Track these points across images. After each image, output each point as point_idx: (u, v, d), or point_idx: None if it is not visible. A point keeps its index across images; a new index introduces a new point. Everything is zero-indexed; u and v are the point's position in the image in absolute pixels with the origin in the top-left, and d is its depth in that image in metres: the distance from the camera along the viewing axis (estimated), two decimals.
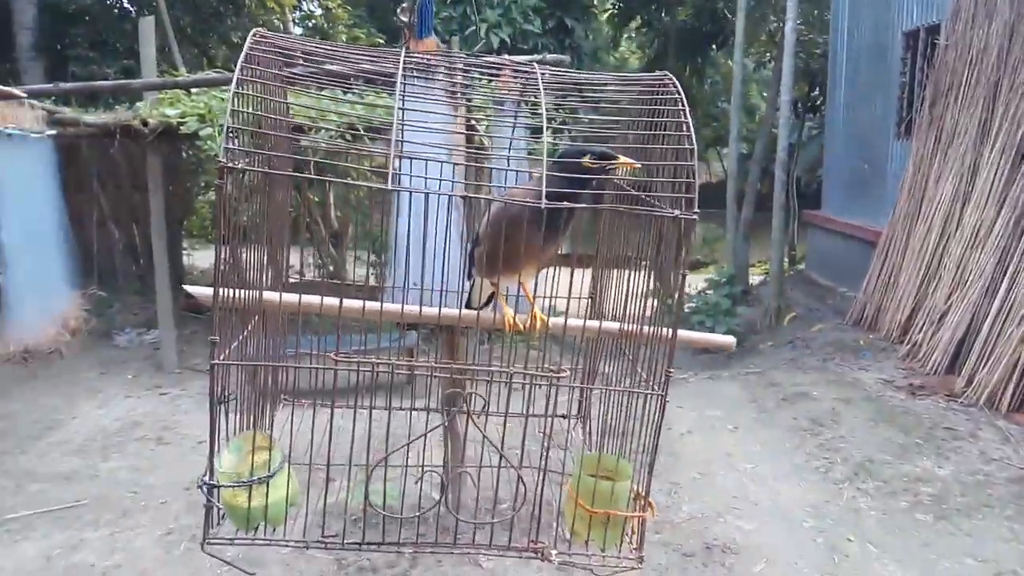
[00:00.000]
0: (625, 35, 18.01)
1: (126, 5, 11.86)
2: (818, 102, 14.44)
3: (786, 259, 10.91)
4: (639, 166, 1.65)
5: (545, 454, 1.66)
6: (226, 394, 1.51)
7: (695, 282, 10.38)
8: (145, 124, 5.53)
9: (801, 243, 13.14)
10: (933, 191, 6.56)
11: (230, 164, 1.33)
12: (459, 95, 2.91)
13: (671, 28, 14.05)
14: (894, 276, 6.81)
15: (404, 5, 3.95)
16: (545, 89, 1.67)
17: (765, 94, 16.77)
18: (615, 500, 1.66)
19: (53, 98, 6.01)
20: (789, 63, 8.15)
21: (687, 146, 1.51)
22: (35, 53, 9.74)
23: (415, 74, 2.30)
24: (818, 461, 4.43)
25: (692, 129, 1.50)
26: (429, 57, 2.24)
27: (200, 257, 9.52)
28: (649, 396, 1.69)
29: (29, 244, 4.89)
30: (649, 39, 15.99)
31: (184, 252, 8.97)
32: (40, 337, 5.39)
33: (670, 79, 1.68)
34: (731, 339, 2.13)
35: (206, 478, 1.54)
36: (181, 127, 5.49)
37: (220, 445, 1.55)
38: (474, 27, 10.83)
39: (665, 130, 1.65)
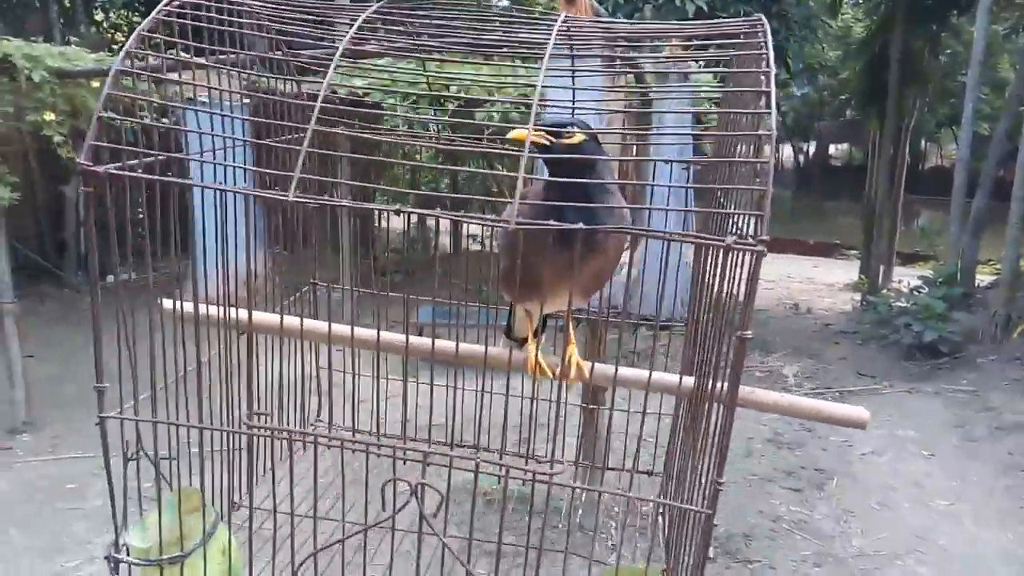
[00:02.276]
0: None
1: None
2: None
3: None
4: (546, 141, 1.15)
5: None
6: (138, 448, 1.32)
7: (908, 277, 9.25)
8: (334, 93, 5.77)
9: None
10: None
11: (91, 166, 1.07)
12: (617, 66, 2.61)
13: None
14: None
15: None
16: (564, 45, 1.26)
17: (1018, 66, 14.45)
18: None
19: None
20: None
21: (762, 132, 1.00)
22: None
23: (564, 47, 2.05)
24: None
25: (774, 104, 1.00)
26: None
27: (393, 220, 9.98)
28: (690, 513, 1.20)
29: (219, 205, 5.27)
30: (875, 4, 14.31)
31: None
32: (222, 292, 5.82)
33: (760, 24, 1.18)
34: (864, 414, 1.45)
35: (112, 549, 1.32)
36: (366, 97, 5.66)
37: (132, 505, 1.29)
38: None
39: (742, 103, 1.18)
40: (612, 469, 1.79)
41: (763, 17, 1.17)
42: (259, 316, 1.50)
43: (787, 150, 26.38)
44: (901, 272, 10.49)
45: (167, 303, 1.41)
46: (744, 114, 1.12)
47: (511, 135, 1.18)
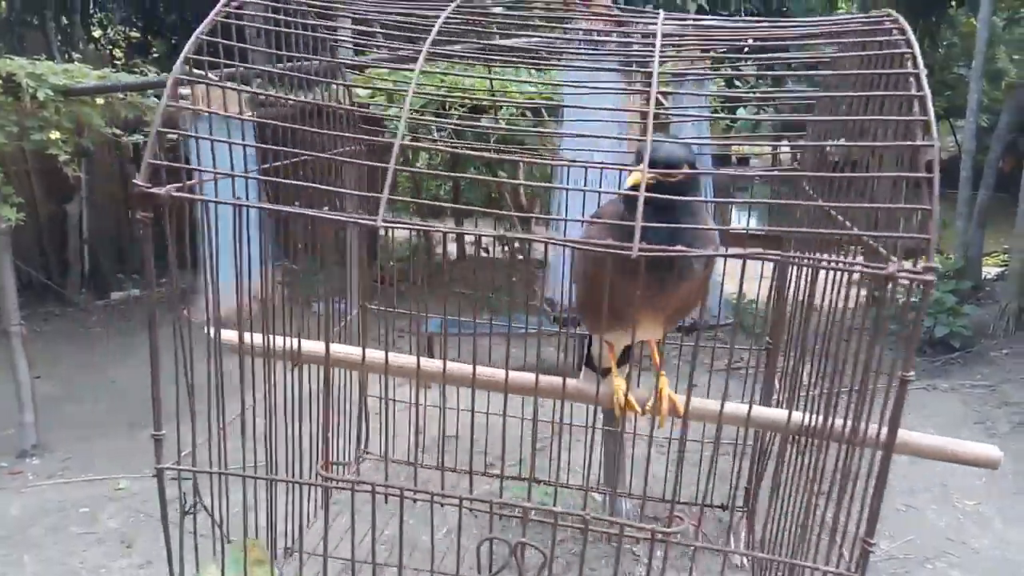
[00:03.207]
0: None
1: None
2: None
3: None
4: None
5: None
6: (196, 500, 1.24)
7: None
8: (339, 103, 5.72)
9: None
10: None
11: (149, 187, 0.98)
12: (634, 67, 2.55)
13: None
14: None
15: None
16: (672, 45, 1.18)
17: (1016, 57, 14.40)
18: None
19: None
20: None
21: (923, 143, 0.89)
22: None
23: (580, 44, 2.00)
24: None
25: (931, 112, 0.88)
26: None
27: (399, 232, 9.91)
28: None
29: (228, 221, 5.23)
30: None
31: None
32: (231, 307, 5.78)
33: (895, 22, 1.05)
34: (997, 453, 1.32)
35: None
36: (370, 107, 5.61)
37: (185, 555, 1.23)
38: None
39: (883, 112, 1.06)
40: (683, 503, 1.68)
41: (892, 12, 1.09)
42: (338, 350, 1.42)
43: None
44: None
45: (229, 335, 1.34)
46: (891, 121, 1.02)
47: (629, 181, 1.09)
